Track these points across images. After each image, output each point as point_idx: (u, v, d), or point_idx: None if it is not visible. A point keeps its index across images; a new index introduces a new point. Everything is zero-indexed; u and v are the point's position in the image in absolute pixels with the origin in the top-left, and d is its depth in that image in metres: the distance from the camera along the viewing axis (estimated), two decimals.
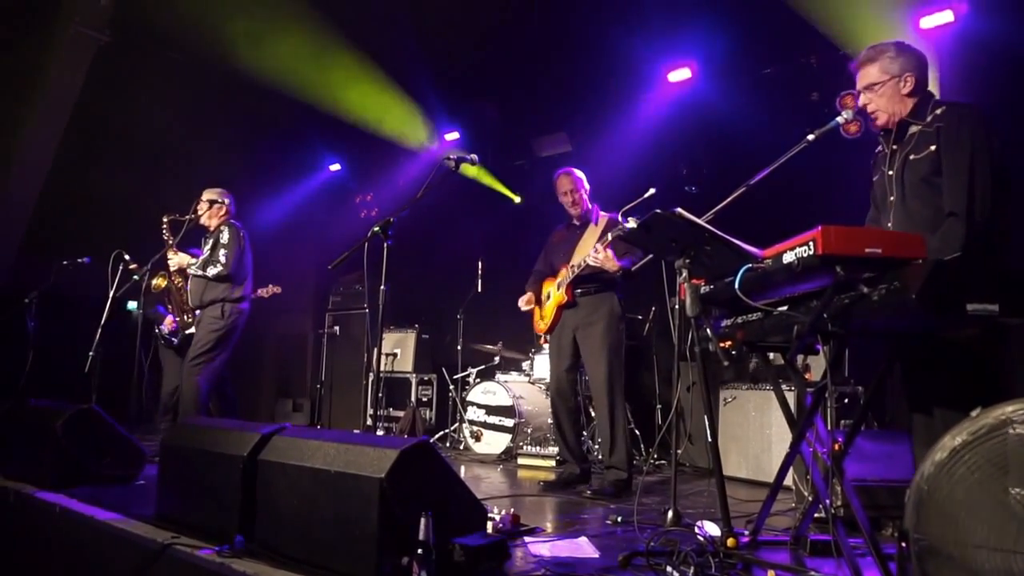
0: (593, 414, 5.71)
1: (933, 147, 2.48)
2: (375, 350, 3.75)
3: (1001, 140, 2.45)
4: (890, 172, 2.65)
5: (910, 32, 4.99)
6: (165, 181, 7.27)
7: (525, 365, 6.47)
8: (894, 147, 2.65)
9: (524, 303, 4.67)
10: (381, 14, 6.67)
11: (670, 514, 3.11)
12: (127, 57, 6.88)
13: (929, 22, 5.01)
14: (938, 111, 2.53)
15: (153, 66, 7.17)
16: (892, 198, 2.63)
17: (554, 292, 4.54)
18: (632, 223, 3.43)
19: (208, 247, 5.19)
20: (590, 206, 4.56)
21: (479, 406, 6.28)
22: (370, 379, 7.23)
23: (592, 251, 4.13)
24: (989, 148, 2.41)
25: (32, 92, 6.80)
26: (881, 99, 2.63)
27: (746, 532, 2.72)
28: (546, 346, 6.12)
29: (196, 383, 4.87)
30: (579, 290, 4.44)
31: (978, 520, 1.56)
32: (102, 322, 5.12)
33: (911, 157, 2.56)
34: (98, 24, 6.59)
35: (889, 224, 2.62)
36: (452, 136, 7.98)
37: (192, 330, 5.24)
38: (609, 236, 4.06)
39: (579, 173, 4.58)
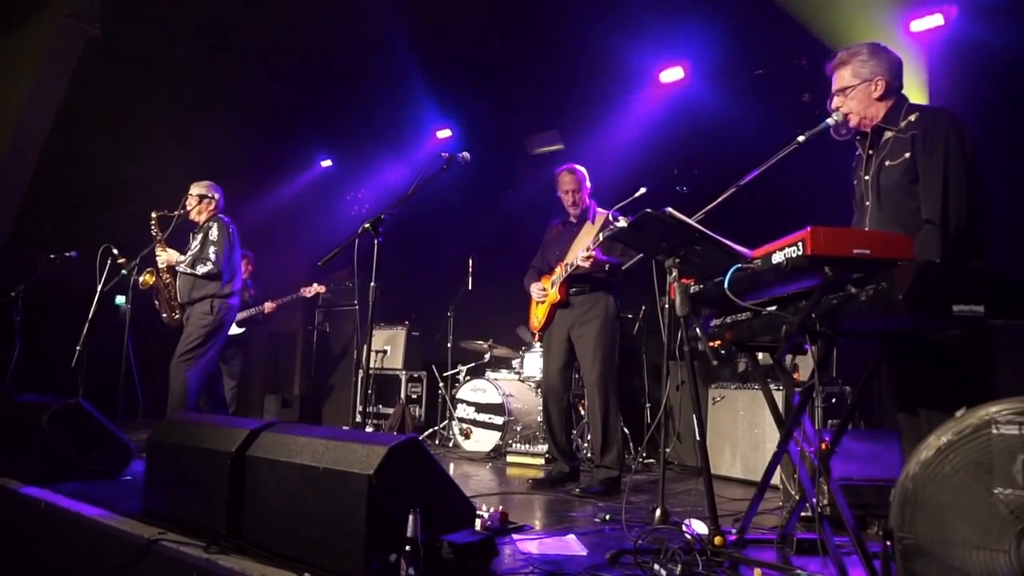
0: (583, 412, 5.72)
1: (908, 154, 2.50)
2: (365, 347, 3.75)
3: (975, 143, 2.47)
4: (867, 177, 2.68)
5: (900, 35, 5.02)
6: (154, 175, 7.22)
7: (515, 363, 6.48)
8: (870, 152, 2.68)
9: (538, 290, 4.58)
10: (373, 10, 6.65)
11: (658, 512, 3.12)
12: (117, 50, 6.82)
13: (919, 25, 5.04)
14: (912, 117, 2.56)
15: (143, 60, 7.12)
16: (868, 202, 2.66)
17: (549, 290, 4.53)
18: (622, 222, 3.44)
19: (197, 243, 5.15)
20: (588, 204, 4.54)
21: (469, 403, 6.27)
22: (360, 376, 7.24)
23: (582, 251, 4.14)
24: (963, 153, 2.42)
25: (20, 84, 6.73)
26: (853, 102, 2.67)
27: (733, 530, 2.73)
28: (536, 344, 6.15)
29: (184, 379, 4.84)
30: (574, 289, 4.43)
31: (962, 519, 1.58)
32: (90, 316, 5.09)
33: (886, 163, 2.58)
34: (88, 16, 6.53)
35: (866, 227, 2.64)
36: (444, 133, 7.97)
37: None
38: (601, 236, 4.07)
39: (582, 171, 4.53)
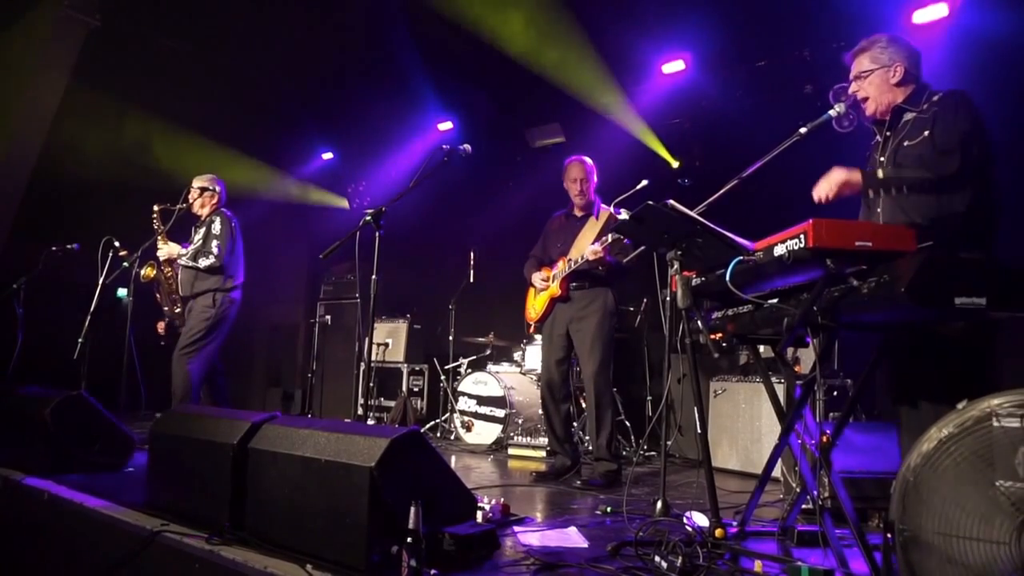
0: (584, 405, 5.72)
1: (927, 132, 2.51)
2: (367, 340, 3.75)
3: (989, 135, 2.47)
4: (882, 158, 2.67)
5: (903, 26, 4.99)
6: (155, 168, 7.22)
7: (516, 356, 6.48)
8: (888, 134, 2.68)
9: (541, 279, 4.59)
10: (373, 2, 6.62)
11: (659, 505, 3.12)
12: (118, 41, 6.81)
13: (922, 16, 5.01)
14: (934, 98, 2.58)
15: (144, 51, 7.10)
16: None
17: (550, 283, 4.53)
18: (624, 215, 3.44)
19: (199, 236, 5.14)
20: (594, 198, 4.55)
21: (470, 396, 6.28)
22: (361, 369, 7.25)
23: (592, 245, 4.14)
24: (981, 135, 2.44)
25: (22, 76, 6.73)
26: (870, 87, 2.69)
27: (734, 523, 2.74)
28: (537, 337, 6.14)
29: (186, 371, 4.85)
30: (574, 284, 4.44)
31: (963, 511, 1.58)
32: (91, 309, 5.09)
33: (905, 143, 2.59)
34: (88, 7, 6.52)
35: (879, 210, 2.63)
36: (445, 126, 7.95)
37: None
38: (610, 238, 4.07)
39: (591, 163, 4.55)
